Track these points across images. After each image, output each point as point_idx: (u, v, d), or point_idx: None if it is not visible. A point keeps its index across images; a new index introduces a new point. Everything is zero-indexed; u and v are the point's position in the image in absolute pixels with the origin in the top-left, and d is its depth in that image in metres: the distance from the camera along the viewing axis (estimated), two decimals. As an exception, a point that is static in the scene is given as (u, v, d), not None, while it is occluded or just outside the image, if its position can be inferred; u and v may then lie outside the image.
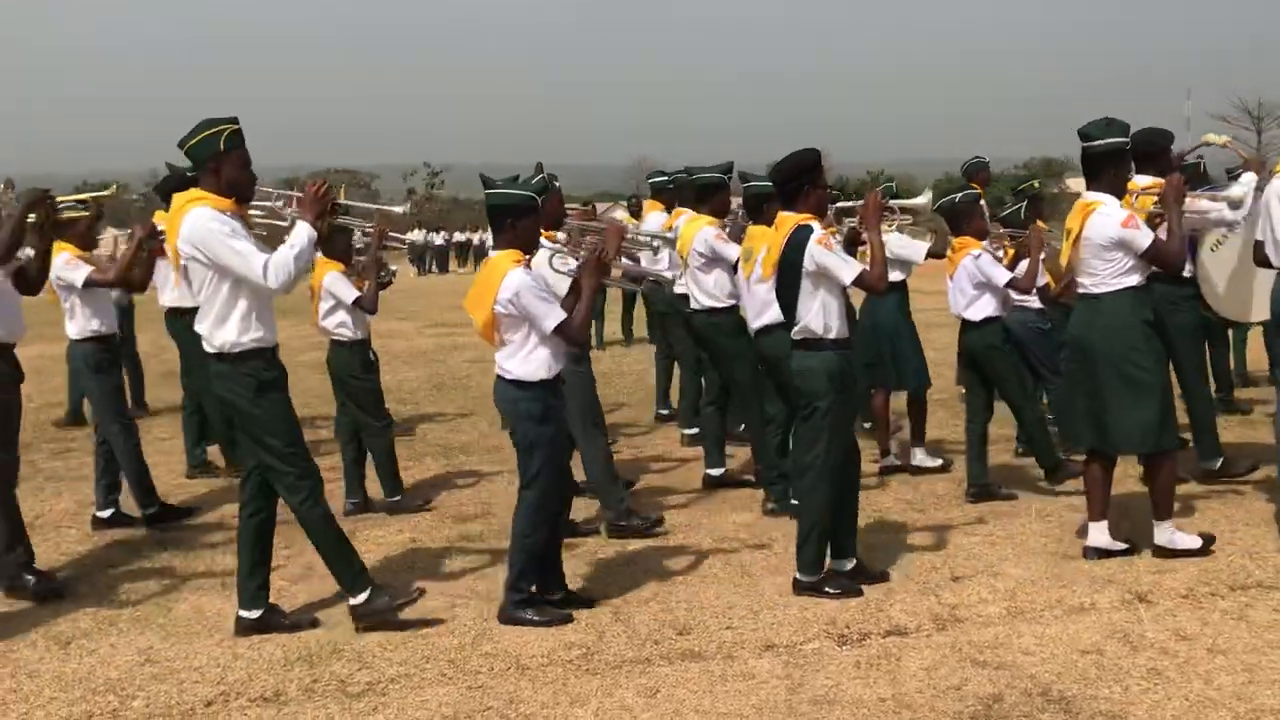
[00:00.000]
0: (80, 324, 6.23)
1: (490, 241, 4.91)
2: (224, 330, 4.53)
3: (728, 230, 6.71)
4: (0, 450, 5.17)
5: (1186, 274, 6.28)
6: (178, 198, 4.62)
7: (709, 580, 5.31)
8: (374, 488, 6.74)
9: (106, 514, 6.44)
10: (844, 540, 5.16)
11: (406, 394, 11.11)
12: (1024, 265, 6.61)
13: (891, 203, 5.33)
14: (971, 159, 9.56)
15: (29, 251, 5.22)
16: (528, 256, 4.80)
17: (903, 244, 7.02)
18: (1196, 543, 5.38)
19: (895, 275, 6.85)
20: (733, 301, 6.58)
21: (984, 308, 6.52)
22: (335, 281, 6.41)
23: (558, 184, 5.82)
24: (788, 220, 5.05)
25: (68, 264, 6.06)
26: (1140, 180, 5.95)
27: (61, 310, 6.27)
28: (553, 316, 4.65)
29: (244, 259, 4.43)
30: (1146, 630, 4.53)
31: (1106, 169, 5.33)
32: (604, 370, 10.59)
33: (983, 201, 6.97)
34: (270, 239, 4.76)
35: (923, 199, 5.91)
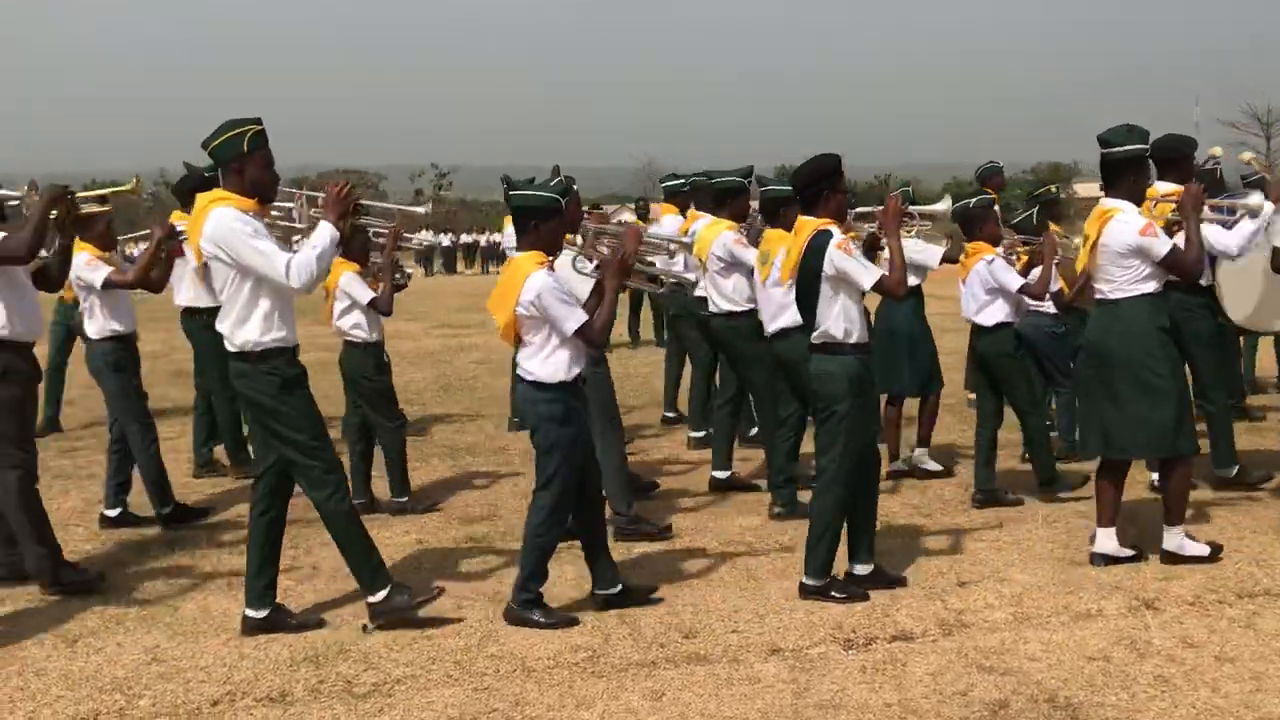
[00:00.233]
0: (99, 324, 6.26)
1: (506, 242, 4.94)
2: (246, 329, 4.55)
3: (746, 234, 6.72)
4: (19, 448, 5.19)
5: (1204, 282, 6.27)
6: (201, 198, 4.64)
7: (715, 584, 5.31)
8: (380, 487, 6.75)
9: (114, 513, 6.45)
10: (862, 544, 5.16)
11: (413, 395, 11.11)
12: (1037, 271, 6.60)
13: (911, 208, 5.34)
14: (986, 164, 9.56)
15: (51, 245, 5.23)
16: (550, 258, 4.83)
17: (918, 248, 7.03)
18: (1205, 551, 5.37)
19: (910, 280, 6.86)
20: (751, 305, 6.60)
21: (996, 313, 6.52)
22: (351, 282, 6.42)
23: (576, 187, 5.84)
24: (807, 225, 5.07)
25: (88, 264, 6.08)
26: (1161, 187, 5.93)
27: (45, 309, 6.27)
28: (573, 319, 4.68)
29: (267, 259, 4.45)
30: (1153, 637, 4.52)
31: (1126, 176, 5.32)
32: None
33: (997, 207, 6.97)
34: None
35: (942, 205, 5.91)
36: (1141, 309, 5.23)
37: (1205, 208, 5.57)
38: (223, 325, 4.61)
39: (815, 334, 5.05)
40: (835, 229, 5.01)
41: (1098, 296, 5.40)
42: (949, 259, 7.15)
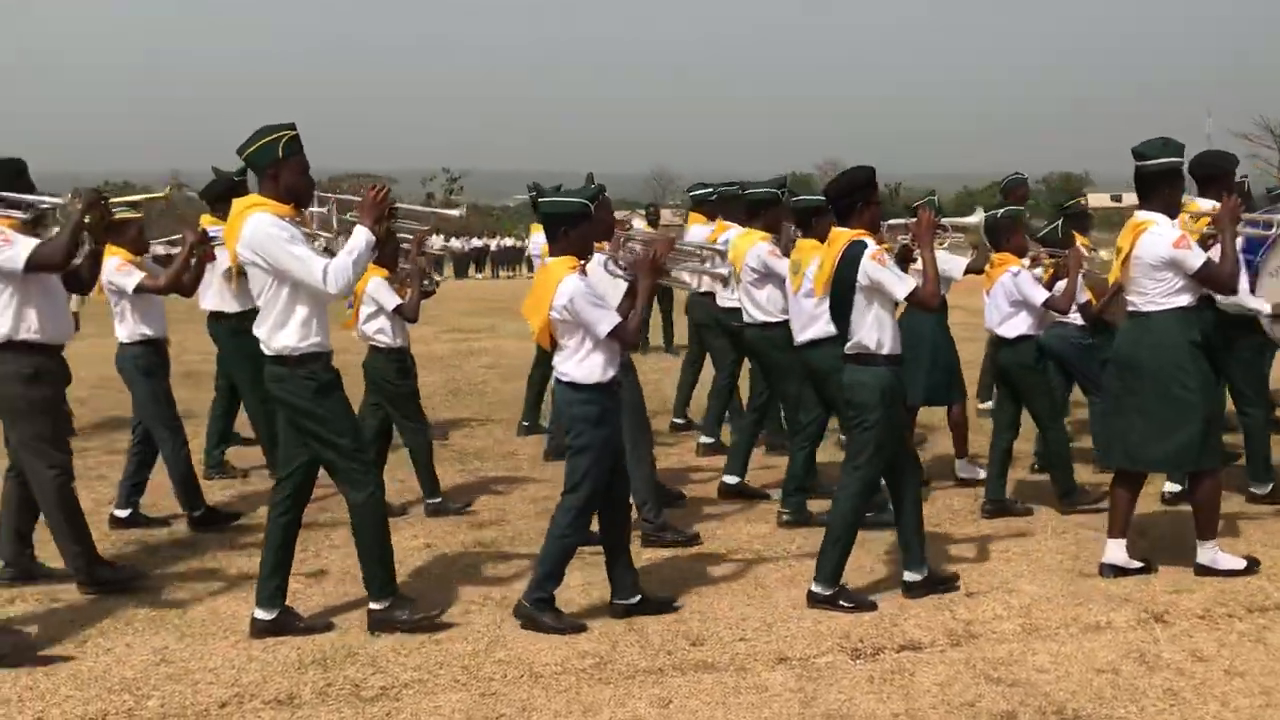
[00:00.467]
0: (130, 327, 6.30)
1: (533, 249, 4.95)
2: (283, 334, 4.59)
3: (778, 244, 6.73)
4: (56, 448, 5.21)
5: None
6: (237, 204, 4.68)
7: (723, 592, 5.30)
8: (392, 490, 6.75)
9: (124, 514, 6.47)
10: (913, 552, 5.17)
11: (423, 399, 11.04)
12: (1061, 284, 6.58)
13: (944, 220, 5.36)
14: (1010, 175, 9.53)
15: (83, 249, 5.26)
16: (582, 263, 4.86)
17: (942, 259, 7.01)
18: (1240, 564, 5.36)
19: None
20: (785, 316, 6.60)
21: (1018, 325, 6.50)
22: (379, 288, 6.45)
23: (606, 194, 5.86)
24: (841, 236, 5.11)
25: (119, 269, 6.11)
26: (1202, 204, 5.89)
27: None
28: (606, 321, 4.72)
29: (304, 264, 4.49)
30: (1163, 650, 4.51)
31: (1160, 188, 5.29)
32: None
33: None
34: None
35: (975, 218, 5.90)
36: (1173, 322, 5.20)
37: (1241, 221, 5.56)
38: (260, 330, 4.65)
39: (849, 345, 5.08)
40: (869, 240, 5.05)
41: (1130, 309, 5.37)
42: (973, 270, 7.14)
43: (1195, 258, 5.17)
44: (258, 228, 4.51)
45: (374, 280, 6.42)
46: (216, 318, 7.41)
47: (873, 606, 5.00)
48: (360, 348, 6.72)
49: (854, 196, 5.12)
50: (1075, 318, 6.84)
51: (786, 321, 6.59)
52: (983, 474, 7.10)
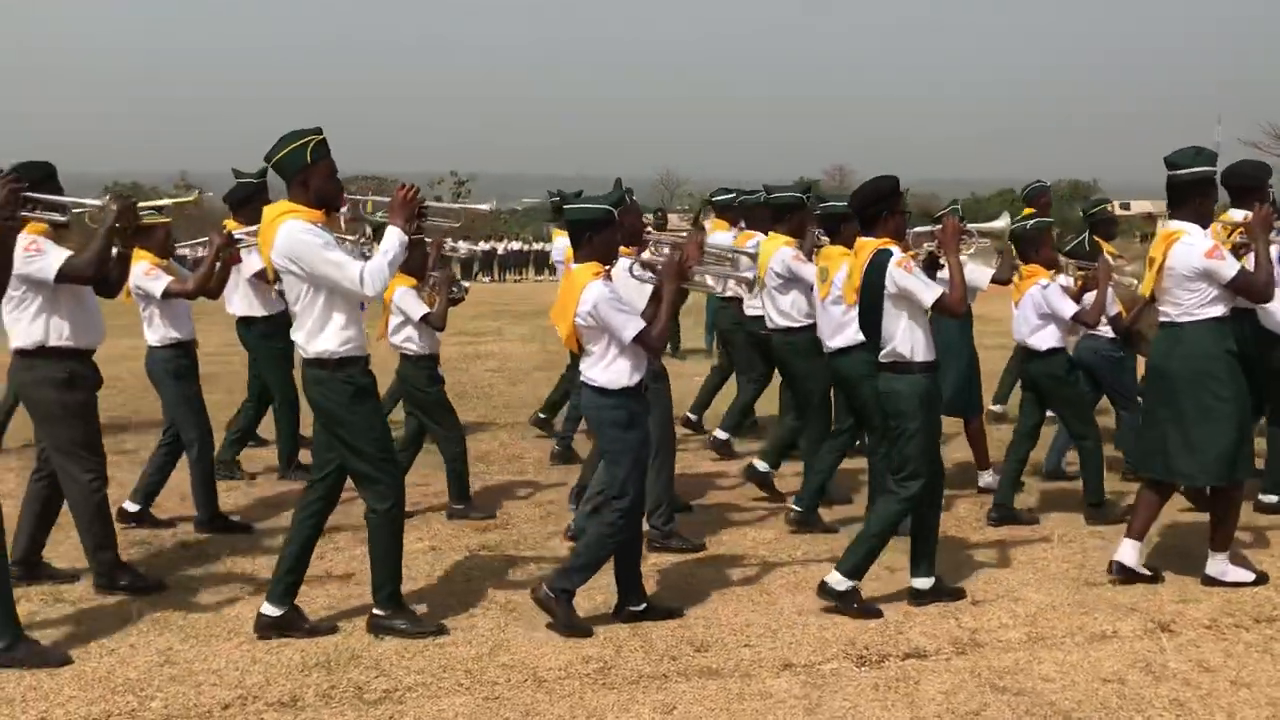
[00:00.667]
0: (159, 331, 6.30)
1: (555, 255, 4.93)
2: (321, 339, 4.60)
3: (802, 249, 6.73)
4: (92, 453, 5.23)
5: None
6: (268, 211, 4.68)
7: (728, 597, 5.29)
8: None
9: (135, 509, 6.48)
10: (923, 558, 5.17)
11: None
12: (1090, 297, 6.56)
13: (969, 226, 5.36)
14: (1033, 183, 9.51)
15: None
16: (607, 268, 4.87)
17: (969, 269, 6.98)
18: (1249, 577, 5.34)
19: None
20: (809, 321, 6.60)
21: (1048, 338, 6.47)
22: (405, 297, 6.46)
23: (634, 198, 5.85)
24: (867, 245, 5.13)
25: (147, 274, 6.11)
26: (1235, 215, 5.86)
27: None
28: (631, 326, 4.72)
29: (341, 269, 4.49)
30: (1169, 660, 4.49)
31: (1192, 198, 5.24)
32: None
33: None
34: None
35: (1000, 223, 5.89)
36: (1206, 333, 5.16)
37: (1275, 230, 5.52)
38: (297, 335, 4.67)
39: (883, 353, 5.08)
40: (895, 248, 5.06)
41: (1162, 319, 5.33)
42: (999, 281, 7.11)
43: (1229, 267, 5.12)
44: (291, 235, 4.51)
45: (400, 290, 6.43)
46: (246, 322, 7.44)
47: (878, 614, 4.98)
48: (388, 359, 6.71)
49: (878, 205, 5.14)
50: (1106, 330, 6.82)
51: (809, 327, 6.59)
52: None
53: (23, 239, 4.87)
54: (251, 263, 7.10)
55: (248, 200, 7.22)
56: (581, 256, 4.89)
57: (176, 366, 6.32)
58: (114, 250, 5.10)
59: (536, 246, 46.65)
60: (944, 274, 5.19)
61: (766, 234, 7.04)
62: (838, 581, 5.00)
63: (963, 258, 6.44)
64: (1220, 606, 5.06)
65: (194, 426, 6.34)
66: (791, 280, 6.63)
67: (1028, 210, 8.68)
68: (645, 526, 5.44)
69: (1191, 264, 5.13)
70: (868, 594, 5.21)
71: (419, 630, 4.78)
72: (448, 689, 4.27)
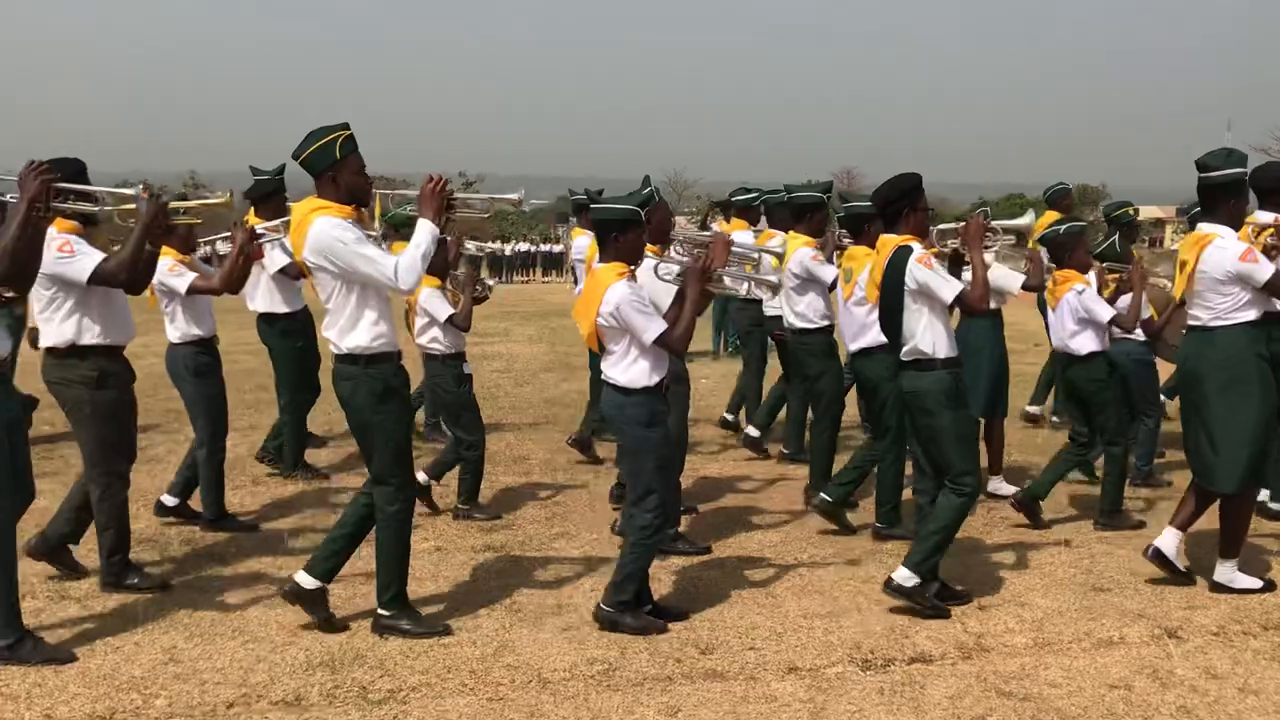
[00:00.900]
0: (181, 328, 6.30)
1: (575, 255, 4.92)
2: (354, 335, 4.62)
3: (823, 250, 6.71)
4: (120, 454, 5.23)
5: None
6: (297, 209, 4.68)
7: (733, 600, 5.28)
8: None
9: (173, 503, 6.49)
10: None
11: (435, 402, 11.11)
12: (1125, 300, 6.53)
13: (994, 223, 5.34)
14: (1055, 185, 9.46)
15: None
16: (631, 269, 4.86)
17: (999, 274, 6.96)
18: (1257, 584, 5.32)
19: (990, 303, 6.78)
20: (826, 322, 6.58)
21: (1088, 342, 6.45)
22: (430, 298, 6.48)
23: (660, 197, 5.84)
24: (889, 242, 5.13)
25: (171, 270, 6.11)
26: (1263, 217, 5.84)
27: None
28: (652, 328, 4.72)
29: (375, 264, 4.50)
30: (1176, 667, 4.47)
31: (1224, 200, 5.21)
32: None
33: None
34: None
35: (1025, 219, 5.87)
36: (1237, 336, 5.13)
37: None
38: (329, 332, 4.67)
39: (905, 350, 5.07)
40: (916, 244, 5.05)
41: (1193, 323, 5.29)
42: (1030, 287, 7.05)
43: (1264, 270, 5.08)
44: (323, 232, 4.52)
45: (425, 291, 6.44)
46: (267, 319, 7.44)
47: (945, 614, 4.99)
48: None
49: (900, 203, 5.14)
50: (1137, 333, 6.80)
51: (827, 328, 6.57)
52: (1009, 490, 7.06)
53: (56, 238, 4.88)
54: (275, 259, 7.12)
55: (269, 196, 7.27)
56: (606, 256, 4.88)
57: (198, 364, 6.32)
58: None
59: (544, 248, 46.65)
60: (968, 274, 5.16)
61: (786, 233, 7.03)
62: (903, 578, 4.99)
63: (989, 257, 6.45)
64: (1228, 613, 5.04)
65: (208, 425, 6.34)
66: (809, 281, 6.62)
67: (1050, 213, 8.65)
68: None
69: (1225, 267, 5.09)
70: (870, 595, 5.20)
71: (424, 631, 4.79)
72: (452, 690, 4.27)
